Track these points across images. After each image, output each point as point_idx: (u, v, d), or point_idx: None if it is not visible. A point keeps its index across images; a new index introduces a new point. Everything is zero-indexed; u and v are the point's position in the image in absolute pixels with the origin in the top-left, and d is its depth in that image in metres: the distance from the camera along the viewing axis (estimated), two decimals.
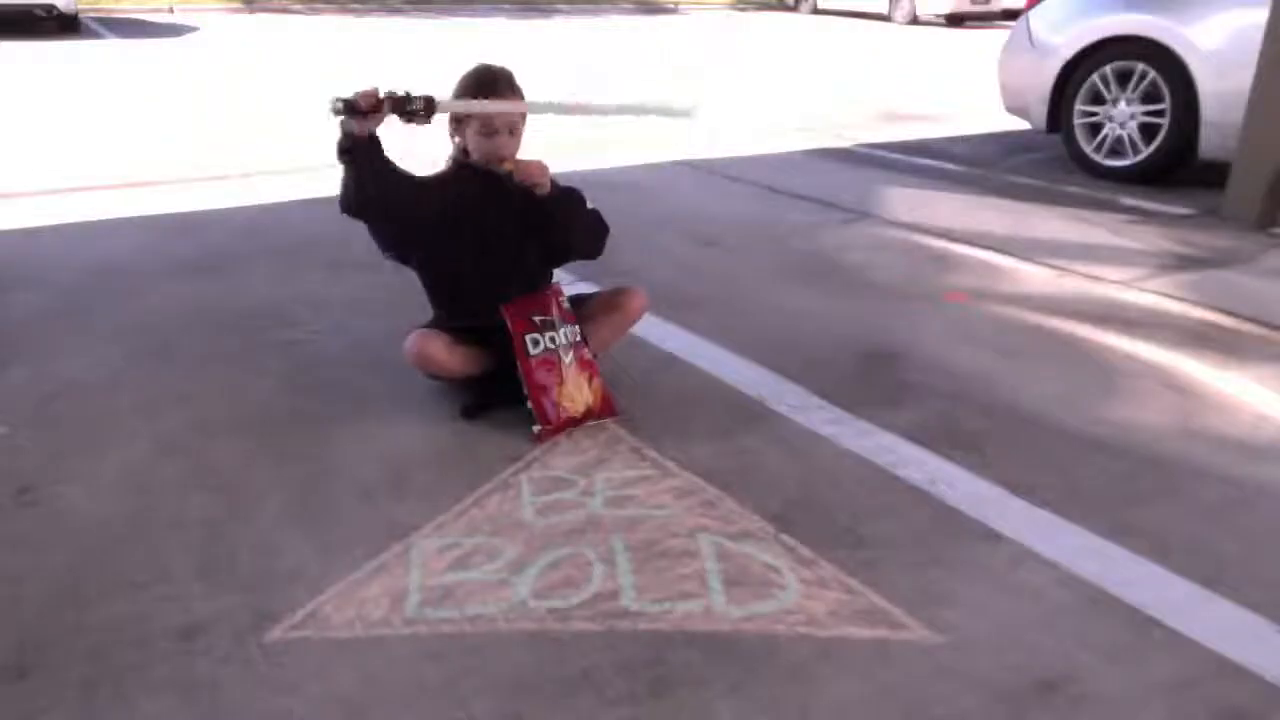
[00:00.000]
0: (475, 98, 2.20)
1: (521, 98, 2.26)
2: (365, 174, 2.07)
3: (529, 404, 2.20)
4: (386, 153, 2.11)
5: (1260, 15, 4.03)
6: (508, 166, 2.22)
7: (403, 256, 2.38)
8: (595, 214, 2.37)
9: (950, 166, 5.48)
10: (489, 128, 2.21)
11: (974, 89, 8.37)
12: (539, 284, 2.31)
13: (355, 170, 2.07)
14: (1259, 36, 4.01)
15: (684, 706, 1.41)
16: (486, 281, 2.28)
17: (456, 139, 2.32)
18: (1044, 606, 1.65)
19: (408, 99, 2.02)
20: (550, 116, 2.26)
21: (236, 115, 6.72)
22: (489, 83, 2.22)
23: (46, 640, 1.53)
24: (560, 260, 2.45)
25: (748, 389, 2.48)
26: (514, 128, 2.25)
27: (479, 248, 2.29)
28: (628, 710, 1.40)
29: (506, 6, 18.91)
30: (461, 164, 2.32)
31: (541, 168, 2.24)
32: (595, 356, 2.33)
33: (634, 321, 2.50)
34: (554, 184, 2.27)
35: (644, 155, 5.50)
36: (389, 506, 1.93)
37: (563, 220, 2.30)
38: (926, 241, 3.92)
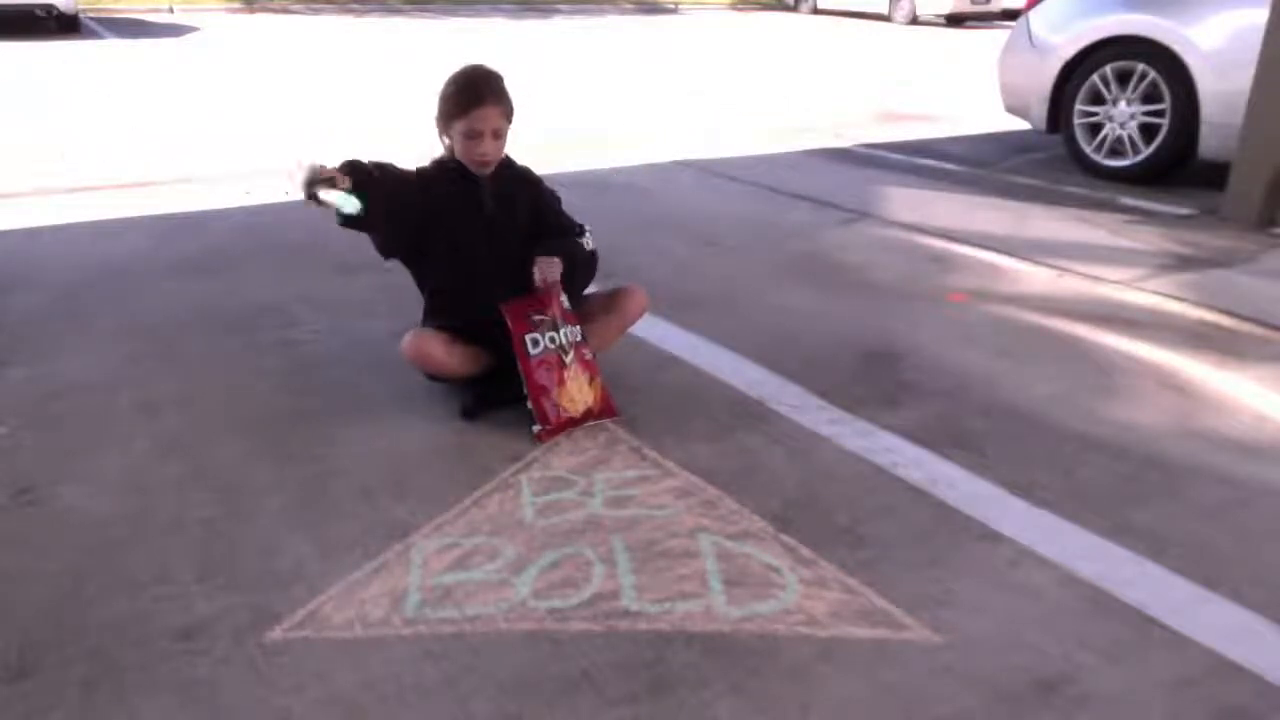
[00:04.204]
0: (460, 108, 2.23)
1: (506, 102, 2.28)
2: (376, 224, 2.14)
3: (529, 404, 2.20)
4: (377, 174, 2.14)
5: (1260, 15, 4.03)
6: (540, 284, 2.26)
7: (403, 256, 2.39)
8: (590, 255, 2.40)
9: (950, 166, 5.48)
10: (473, 132, 2.23)
11: (974, 89, 8.38)
12: (526, 285, 2.30)
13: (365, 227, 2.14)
14: (1259, 36, 4.01)
15: (684, 706, 1.41)
16: (473, 278, 2.29)
17: (445, 139, 2.32)
18: (1044, 606, 1.65)
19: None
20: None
21: (237, 115, 6.72)
22: (473, 91, 2.24)
23: (46, 640, 1.53)
24: None
25: (748, 389, 2.48)
26: (498, 131, 2.27)
27: (459, 248, 2.30)
28: (628, 710, 1.40)
29: (506, 7, 18.92)
30: (445, 164, 2.33)
31: (553, 272, 2.27)
32: (595, 356, 2.33)
33: (634, 321, 2.50)
34: (564, 253, 2.33)
35: (644, 155, 5.51)
36: (389, 506, 1.93)
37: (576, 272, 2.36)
38: (926, 241, 3.92)
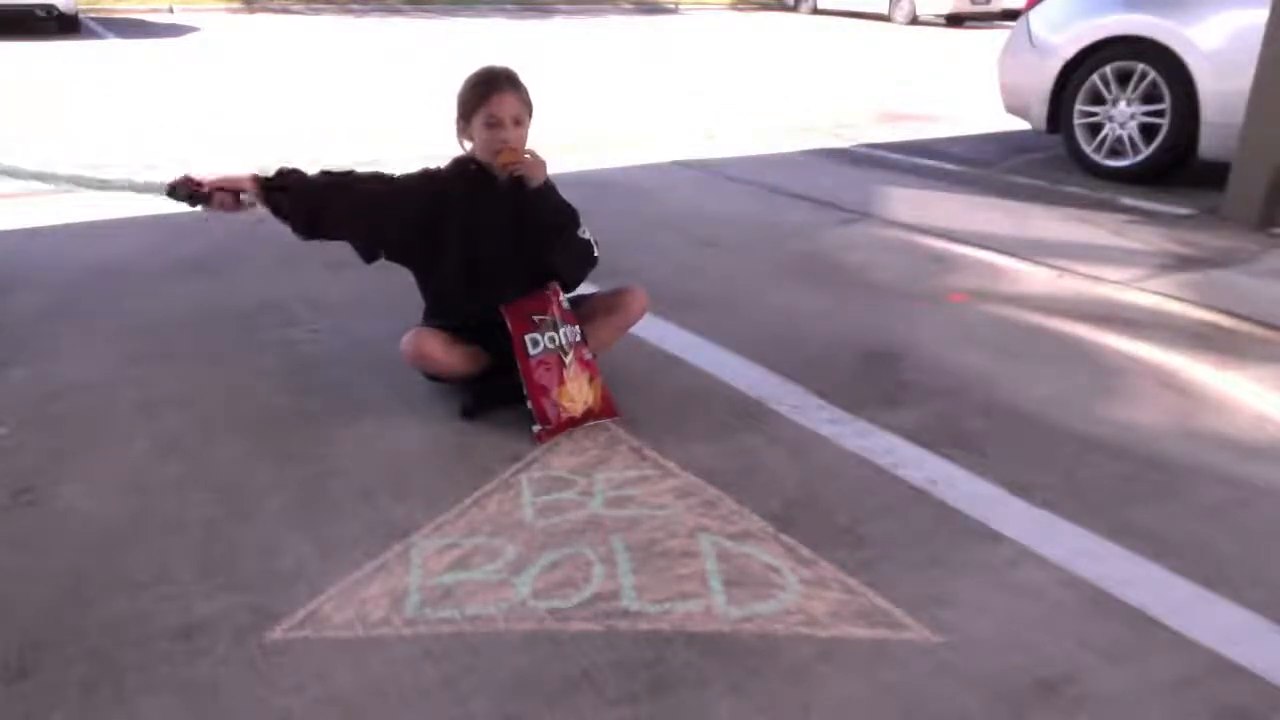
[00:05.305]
0: (478, 98, 2.24)
1: (525, 94, 2.29)
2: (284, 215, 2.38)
3: (529, 404, 2.20)
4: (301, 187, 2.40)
5: (1260, 15, 4.03)
6: (503, 158, 2.23)
7: (397, 258, 2.38)
8: (586, 243, 2.33)
9: (950, 166, 5.48)
10: (493, 119, 2.24)
11: (974, 89, 8.38)
12: (533, 285, 2.30)
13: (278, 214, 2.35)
14: (1259, 36, 4.01)
15: (684, 706, 1.41)
16: (477, 279, 2.29)
17: (465, 140, 2.32)
18: (1044, 606, 1.65)
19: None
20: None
21: (237, 115, 6.72)
22: (489, 80, 2.26)
23: (46, 640, 1.53)
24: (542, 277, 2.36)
25: (748, 389, 2.48)
26: (519, 118, 2.27)
27: (468, 244, 2.30)
28: (628, 710, 1.40)
29: (506, 7, 18.91)
30: (461, 161, 2.33)
31: (539, 165, 2.25)
32: (595, 356, 2.32)
33: (634, 321, 2.50)
34: (550, 187, 2.28)
35: (643, 155, 5.51)
36: (389, 506, 1.93)
37: (551, 225, 2.29)
38: (926, 241, 3.92)
